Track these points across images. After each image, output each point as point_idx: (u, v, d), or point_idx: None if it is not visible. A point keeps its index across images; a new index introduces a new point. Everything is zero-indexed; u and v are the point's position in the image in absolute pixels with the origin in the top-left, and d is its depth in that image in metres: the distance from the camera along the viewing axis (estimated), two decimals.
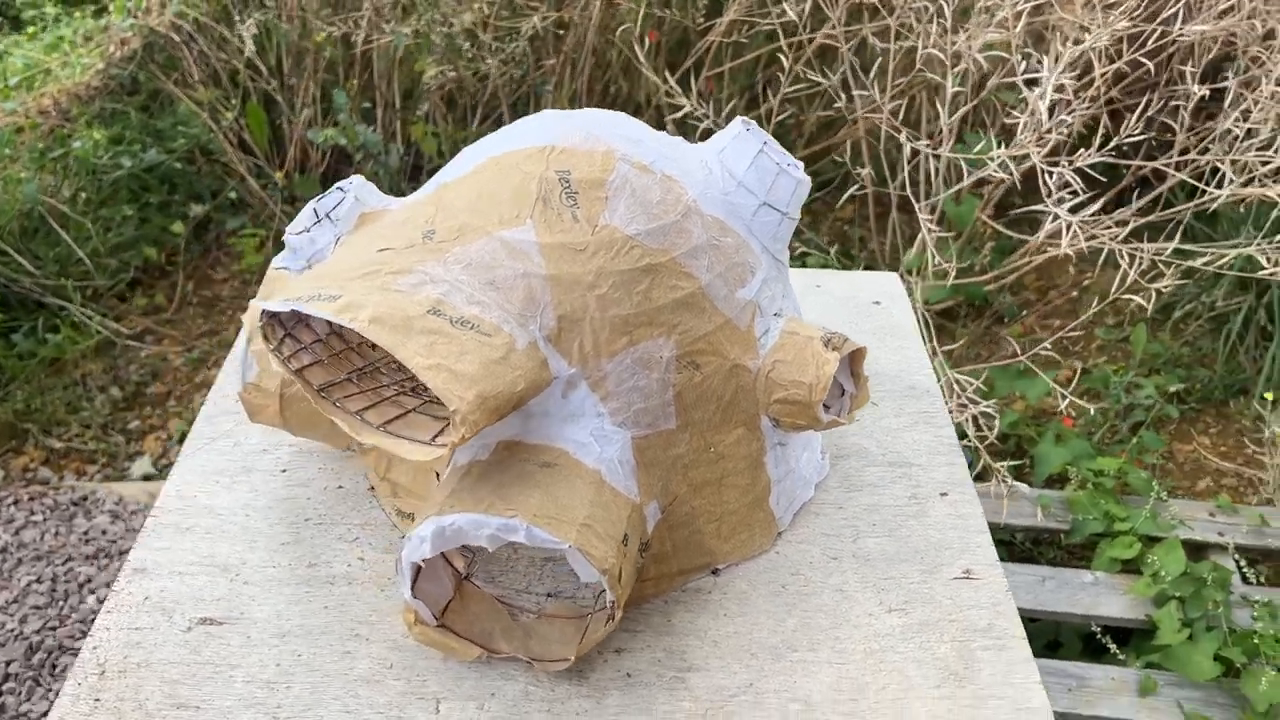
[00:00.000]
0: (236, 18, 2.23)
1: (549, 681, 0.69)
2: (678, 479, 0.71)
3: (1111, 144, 1.48)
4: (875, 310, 1.01)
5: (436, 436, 0.64)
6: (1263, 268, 1.51)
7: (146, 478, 1.85)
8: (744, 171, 0.74)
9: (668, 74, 1.98)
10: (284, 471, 0.83)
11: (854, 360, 0.75)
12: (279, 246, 2.43)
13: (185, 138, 2.44)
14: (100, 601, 1.56)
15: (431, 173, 2.50)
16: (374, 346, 0.73)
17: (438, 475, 0.72)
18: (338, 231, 0.74)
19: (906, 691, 0.68)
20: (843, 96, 1.79)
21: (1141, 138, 1.45)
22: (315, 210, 0.77)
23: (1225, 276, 2.00)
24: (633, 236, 0.68)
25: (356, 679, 0.68)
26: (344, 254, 0.71)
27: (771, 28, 1.93)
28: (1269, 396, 1.74)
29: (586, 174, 0.69)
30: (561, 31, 2.20)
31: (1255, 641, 1.44)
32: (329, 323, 0.71)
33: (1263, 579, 1.60)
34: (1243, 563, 1.58)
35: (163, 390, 2.09)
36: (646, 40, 2.17)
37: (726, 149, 0.75)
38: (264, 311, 0.68)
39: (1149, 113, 1.51)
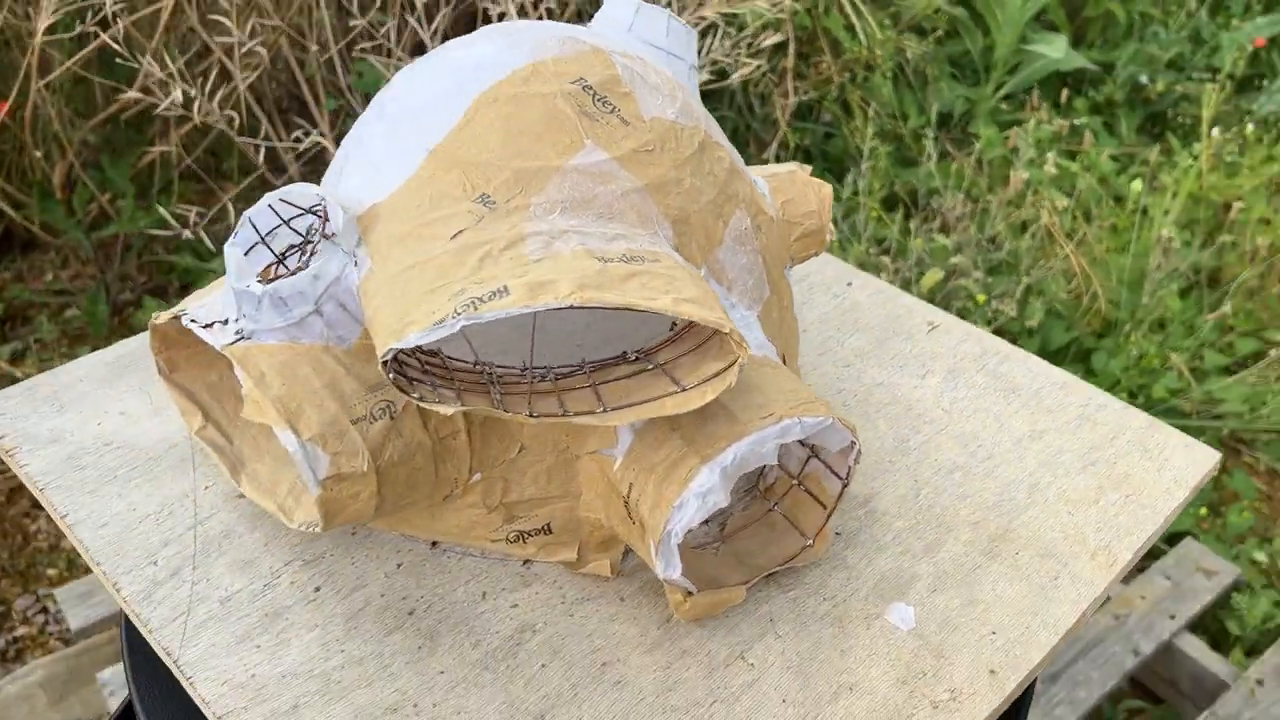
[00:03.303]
0: None
1: (798, 581, 0.66)
2: (781, 344, 0.70)
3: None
4: None
5: (694, 379, 0.56)
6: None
7: None
8: (666, 39, 0.72)
9: None
10: (318, 590, 0.64)
11: None
12: None
13: None
14: None
15: None
16: (427, 359, 0.60)
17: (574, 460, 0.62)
18: (350, 249, 0.58)
19: (1032, 438, 0.78)
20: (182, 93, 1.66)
21: None
22: (262, 239, 0.58)
23: None
24: (676, 121, 0.64)
25: (668, 689, 0.59)
26: (404, 261, 0.56)
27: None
28: None
29: (600, 75, 0.63)
30: None
31: None
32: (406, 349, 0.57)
33: None
34: None
35: None
36: None
37: (635, 24, 0.72)
38: (391, 360, 0.52)
39: None
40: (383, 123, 0.64)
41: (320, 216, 0.58)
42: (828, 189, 0.75)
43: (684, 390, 0.56)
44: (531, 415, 0.55)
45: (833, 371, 0.81)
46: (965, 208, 1.89)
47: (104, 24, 1.84)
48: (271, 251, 0.61)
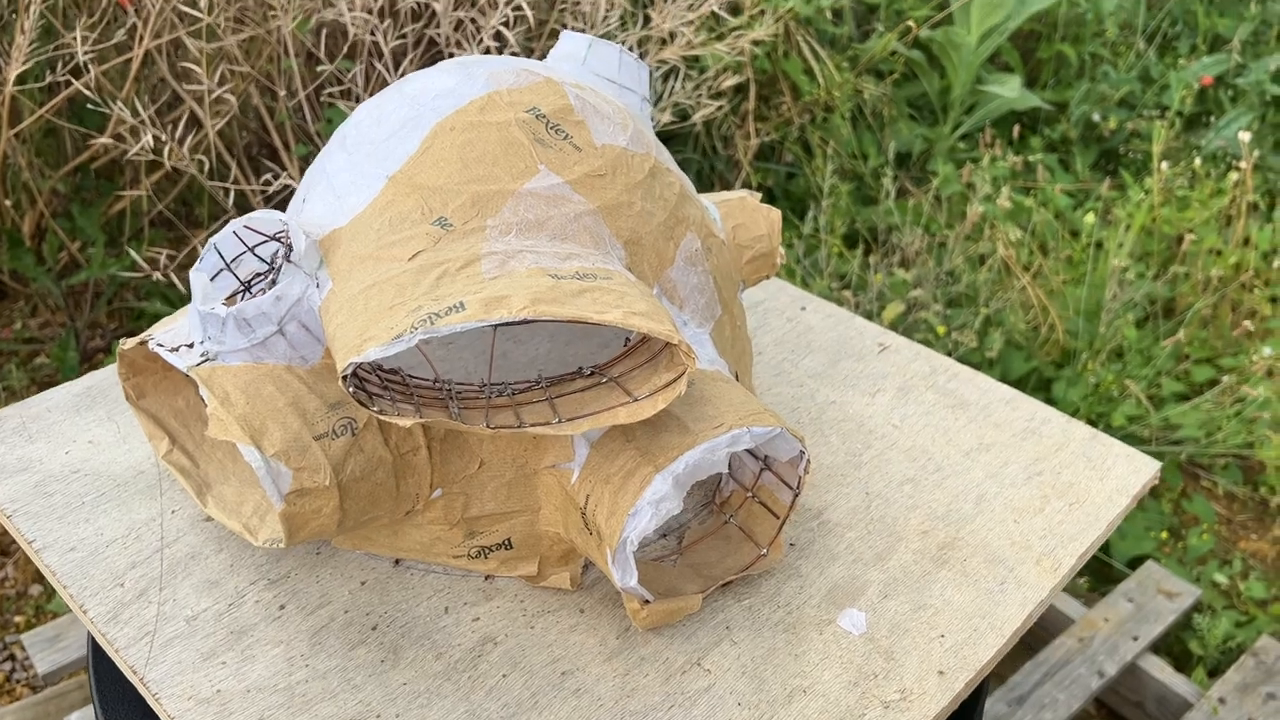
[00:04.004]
0: None
1: (753, 590, 0.68)
2: (733, 361, 0.73)
3: None
4: None
5: (646, 390, 0.58)
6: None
7: None
8: (618, 73, 0.75)
9: None
10: (283, 608, 0.65)
11: None
12: None
13: None
14: None
15: None
16: (387, 376, 0.62)
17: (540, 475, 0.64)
18: (312, 272, 0.60)
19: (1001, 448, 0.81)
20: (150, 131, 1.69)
21: None
22: (227, 265, 0.60)
23: None
24: (627, 148, 0.67)
25: (626, 695, 0.61)
26: (365, 281, 0.58)
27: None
28: None
29: (553, 105, 0.66)
30: None
31: None
32: (363, 365, 0.59)
33: None
34: None
35: None
36: None
37: (588, 58, 0.75)
38: (350, 375, 0.54)
39: None
40: (344, 153, 0.66)
41: (283, 242, 0.60)
42: (776, 214, 0.77)
43: (636, 400, 0.58)
44: (489, 426, 0.57)
45: (787, 391, 0.84)
46: (924, 242, 1.93)
47: (75, 73, 1.87)
48: (237, 278, 0.63)
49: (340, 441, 0.60)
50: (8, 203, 1.91)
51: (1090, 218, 1.96)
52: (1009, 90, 2.32)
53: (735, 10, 2.04)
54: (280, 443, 0.58)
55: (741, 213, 0.77)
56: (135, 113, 1.68)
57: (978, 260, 1.96)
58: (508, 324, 0.54)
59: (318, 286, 0.60)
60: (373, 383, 0.58)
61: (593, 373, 0.62)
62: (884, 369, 0.86)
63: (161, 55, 1.80)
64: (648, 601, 0.63)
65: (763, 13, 2.15)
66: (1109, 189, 2.16)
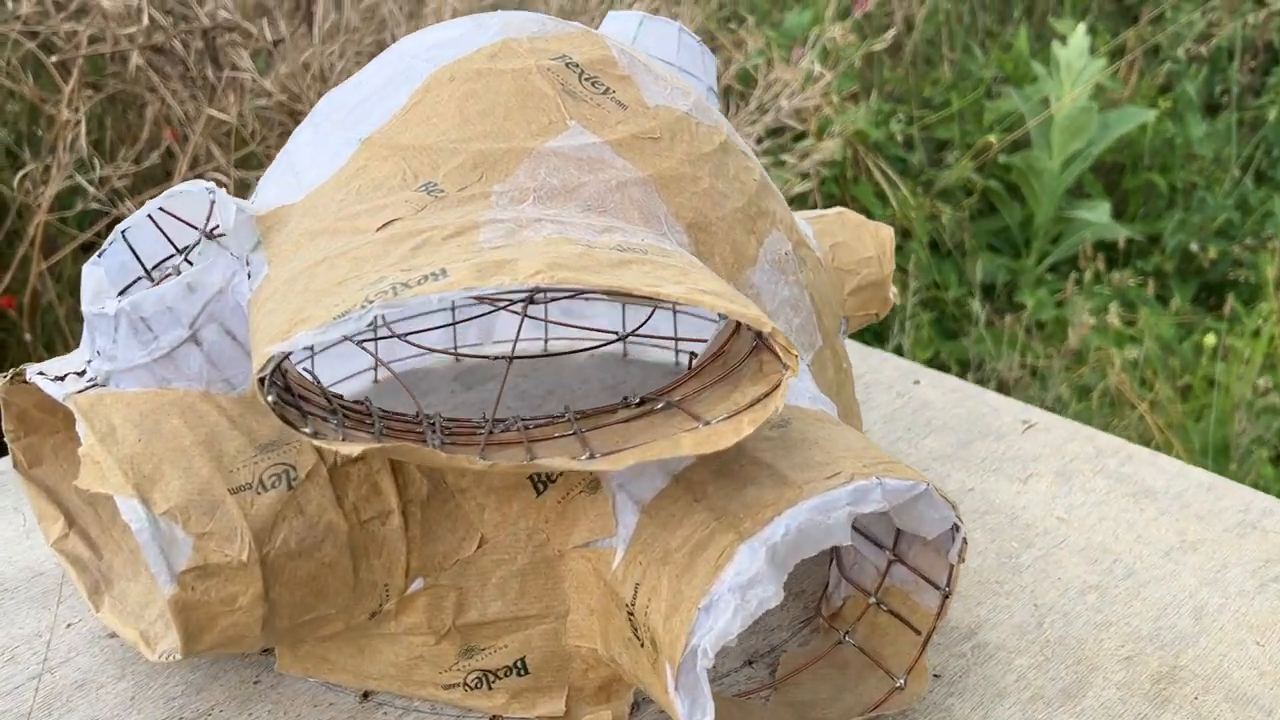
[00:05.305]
0: None
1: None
2: (841, 410, 0.53)
3: None
4: None
5: (722, 411, 0.39)
6: None
7: None
8: (677, 55, 0.59)
9: None
10: None
11: None
12: None
13: None
14: None
15: None
16: (348, 405, 0.42)
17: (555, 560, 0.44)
18: (242, 254, 0.42)
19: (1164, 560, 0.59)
20: None
21: None
22: (146, 272, 0.43)
23: None
24: (689, 113, 0.50)
25: None
26: (311, 258, 0.40)
27: None
28: None
29: (589, 54, 0.49)
30: None
31: None
32: (287, 380, 0.40)
33: None
34: None
35: None
36: None
37: (639, 36, 0.59)
38: (270, 378, 0.35)
39: None
40: (311, 126, 0.49)
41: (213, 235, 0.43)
42: (888, 231, 0.59)
43: (708, 424, 0.38)
44: (483, 459, 0.38)
45: None
46: (1022, 369, 1.73)
47: (110, 199, 1.78)
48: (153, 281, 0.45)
49: (269, 497, 0.40)
50: (28, 337, 1.80)
51: (1210, 338, 1.75)
52: (1097, 215, 2.15)
53: (800, 123, 1.92)
54: (178, 496, 0.39)
55: (842, 229, 0.58)
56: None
57: (1082, 390, 1.75)
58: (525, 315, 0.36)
59: (249, 275, 0.42)
60: (314, 403, 0.39)
61: (642, 401, 0.42)
62: (1034, 450, 0.66)
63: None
64: None
65: (823, 130, 2.03)
66: (1217, 318, 1.95)
